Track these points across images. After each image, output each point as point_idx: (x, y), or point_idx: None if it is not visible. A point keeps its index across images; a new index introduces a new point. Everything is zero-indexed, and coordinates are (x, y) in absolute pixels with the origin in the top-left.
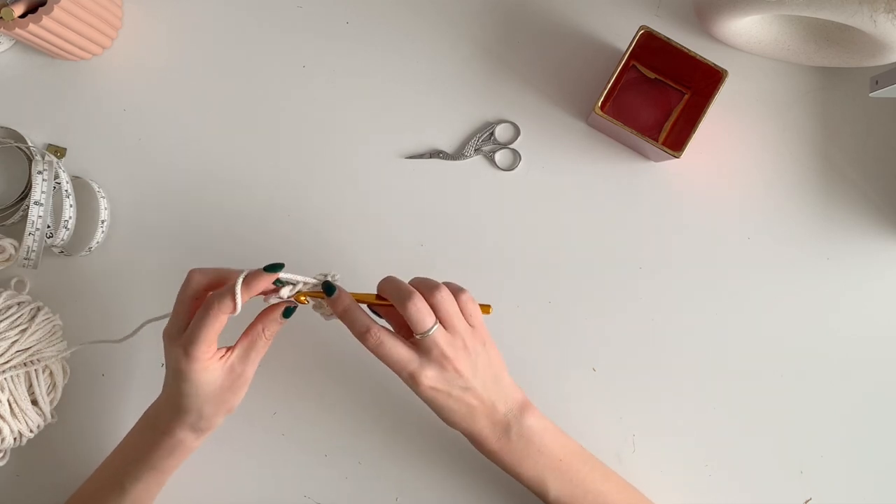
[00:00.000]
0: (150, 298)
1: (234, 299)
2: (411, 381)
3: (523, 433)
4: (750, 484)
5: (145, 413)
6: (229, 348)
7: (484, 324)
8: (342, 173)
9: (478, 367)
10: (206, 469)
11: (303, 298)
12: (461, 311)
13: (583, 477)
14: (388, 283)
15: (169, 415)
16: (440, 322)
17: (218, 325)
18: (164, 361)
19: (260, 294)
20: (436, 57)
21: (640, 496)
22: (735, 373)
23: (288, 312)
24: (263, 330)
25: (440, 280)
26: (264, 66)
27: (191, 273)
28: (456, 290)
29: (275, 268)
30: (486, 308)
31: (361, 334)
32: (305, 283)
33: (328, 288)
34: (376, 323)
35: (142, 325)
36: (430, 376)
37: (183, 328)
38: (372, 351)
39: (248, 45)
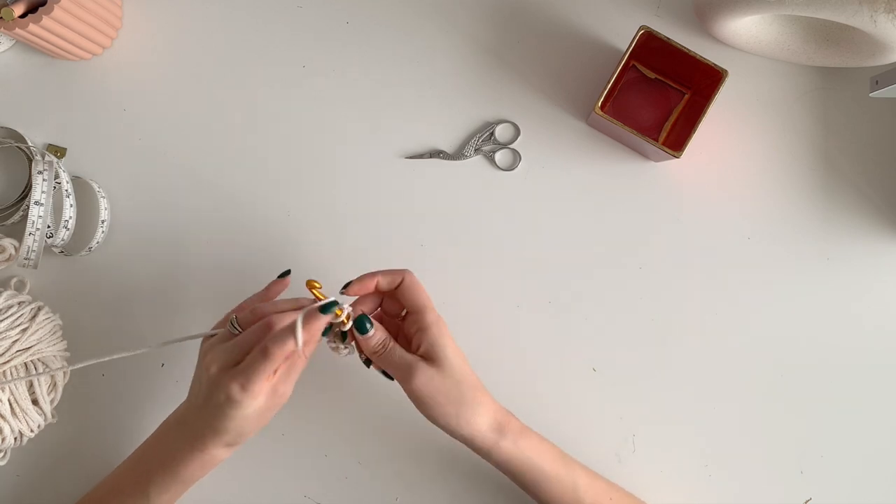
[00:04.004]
0: (150, 298)
1: (295, 340)
2: (440, 323)
3: (522, 427)
4: (750, 484)
5: (170, 422)
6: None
7: None
8: (342, 173)
9: None
10: None
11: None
12: None
13: (578, 471)
14: (373, 274)
15: (203, 431)
16: None
17: (275, 366)
18: (164, 362)
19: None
20: (436, 57)
21: (619, 488)
22: (735, 372)
23: (326, 331)
24: (304, 351)
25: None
26: (264, 66)
27: (270, 320)
28: None
29: (329, 307)
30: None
31: (402, 272)
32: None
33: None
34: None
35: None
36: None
37: (239, 361)
38: (411, 284)
39: (248, 45)
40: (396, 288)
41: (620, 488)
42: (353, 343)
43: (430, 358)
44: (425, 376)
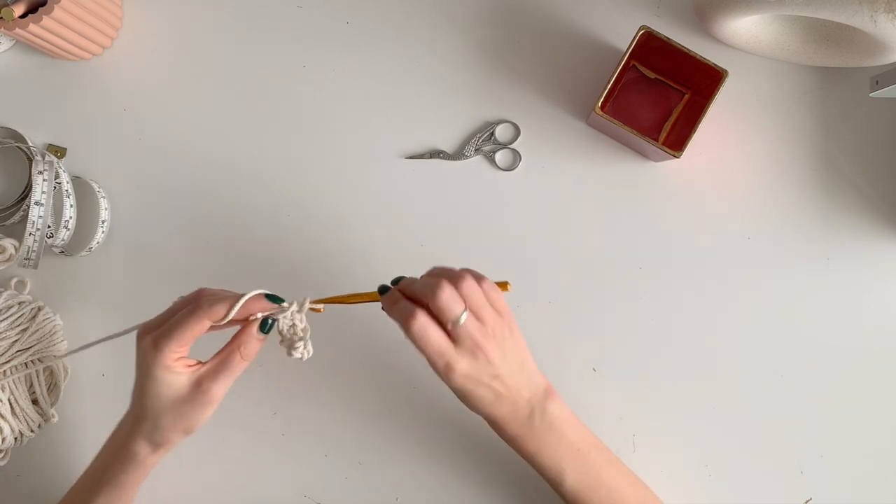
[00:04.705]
0: (150, 298)
1: (229, 308)
2: (447, 370)
3: (545, 419)
4: (750, 484)
5: (114, 429)
6: (202, 363)
7: (510, 310)
8: (342, 173)
9: (506, 354)
10: (207, 469)
11: (320, 308)
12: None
13: (599, 469)
14: (411, 281)
15: (129, 424)
16: (469, 310)
17: (198, 327)
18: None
19: (249, 316)
20: (436, 57)
21: (651, 493)
22: (735, 373)
23: (265, 326)
24: (240, 347)
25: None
26: (264, 66)
27: (201, 289)
28: (477, 278)
29: (277, 298)
30: (503, 285)
31: (406, 319)
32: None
33: (383, 288)
34: (422, 309)
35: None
36: (463, 365)
37: (160, 326)
38: (414, 337)
39: (248, 45)
40: None
41: (629, 495)
42: (306, 343)
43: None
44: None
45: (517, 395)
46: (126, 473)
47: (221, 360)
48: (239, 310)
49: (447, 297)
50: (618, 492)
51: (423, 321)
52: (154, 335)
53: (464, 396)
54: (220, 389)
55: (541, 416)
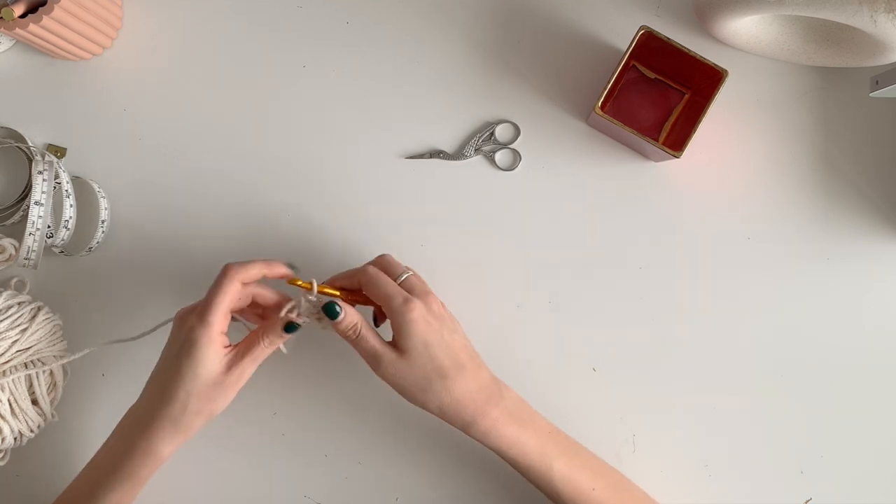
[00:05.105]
0: (150, 298)
1: (259, 267)
2: (406, 302)
3: (514, 401)
4: (750, 484)
5: (120, 422)
6: (234, 345)
7: None
8: (342, 173)
9: (453, 318)
10: (207, 469)
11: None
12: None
13: (577, 449)
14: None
15: (148, 413)
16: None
17: (232, 287)
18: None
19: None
20: (436, 57)
21: (616, 470)
22: (735, 372)
23: (289, 328)
24: (263, 335)
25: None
26: (264, 66)
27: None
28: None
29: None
30: None
31: (357, 272)
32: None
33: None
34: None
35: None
36: (420, 307)
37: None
38: (370, 280)
39: (248, 45)
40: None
41: (609, 474)
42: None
43: (396, 345)
44: (389, 367)
45: (477, 368)
46: (143, 467)
47: (246, 344)
48: (265, 272)
49: (389, 259)
50: (595, 470)
51: (375, 267)
52: (197, 311)
53: (427, 349)
54: (246, 373)
55: (509, 396)
